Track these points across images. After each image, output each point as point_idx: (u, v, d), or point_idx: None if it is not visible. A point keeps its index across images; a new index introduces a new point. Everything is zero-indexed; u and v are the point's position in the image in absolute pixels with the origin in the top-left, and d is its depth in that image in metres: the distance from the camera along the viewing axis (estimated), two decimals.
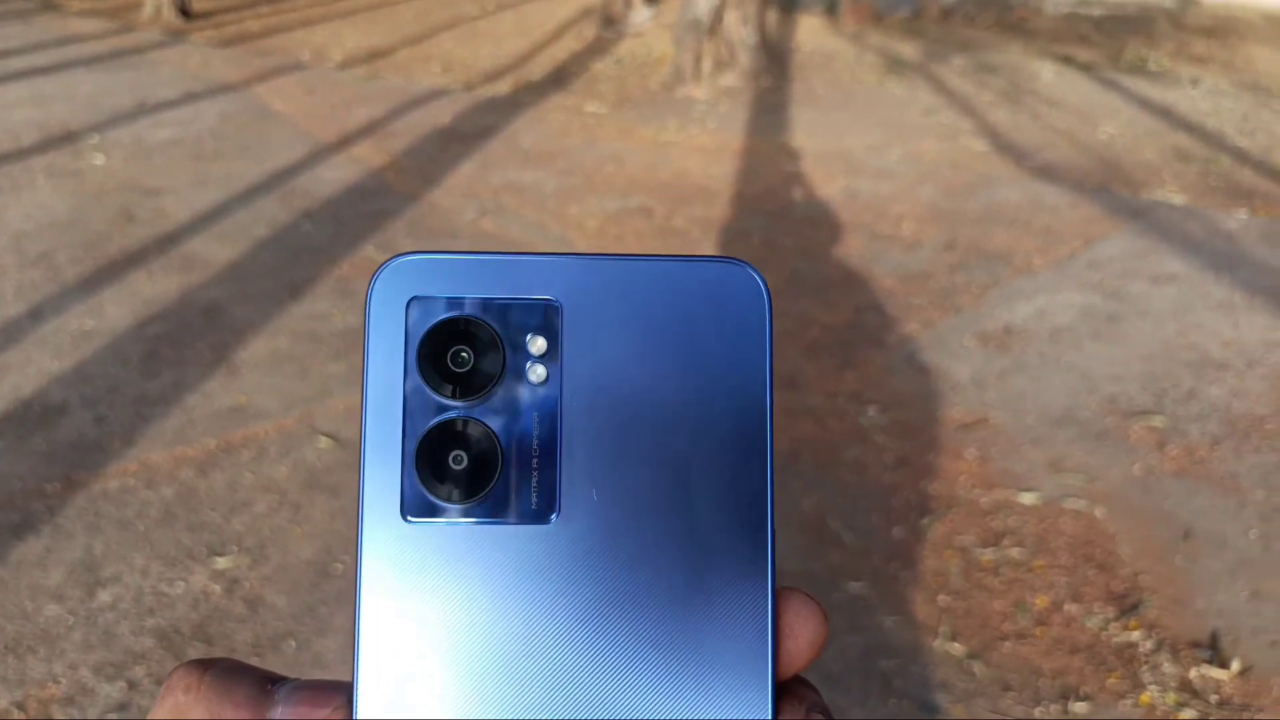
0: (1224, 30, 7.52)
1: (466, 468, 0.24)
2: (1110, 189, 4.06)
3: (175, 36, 7.41)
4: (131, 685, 1.60)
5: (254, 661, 1.66)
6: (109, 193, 3.87)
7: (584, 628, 0.23)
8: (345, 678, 0.24)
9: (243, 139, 4.66)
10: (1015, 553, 1.95)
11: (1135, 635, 1.75)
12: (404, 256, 0.24)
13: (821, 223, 3.70)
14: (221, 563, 1.89)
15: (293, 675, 0.25)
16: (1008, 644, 1.74)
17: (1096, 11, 8.19)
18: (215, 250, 3.34)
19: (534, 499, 0.24)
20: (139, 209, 3.70)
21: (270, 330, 2.81)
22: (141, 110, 5.10)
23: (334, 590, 1.82)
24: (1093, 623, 1.78)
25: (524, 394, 0.24)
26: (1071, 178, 4.20)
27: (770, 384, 0.24)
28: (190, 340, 2.73)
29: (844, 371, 2.63)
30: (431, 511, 0.24)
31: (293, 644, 1.70)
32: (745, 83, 5.84)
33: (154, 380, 2.52)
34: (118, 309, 2.89)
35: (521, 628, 0.23)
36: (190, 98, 5.39)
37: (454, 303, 0.24)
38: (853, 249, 3.45)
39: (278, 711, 0.23)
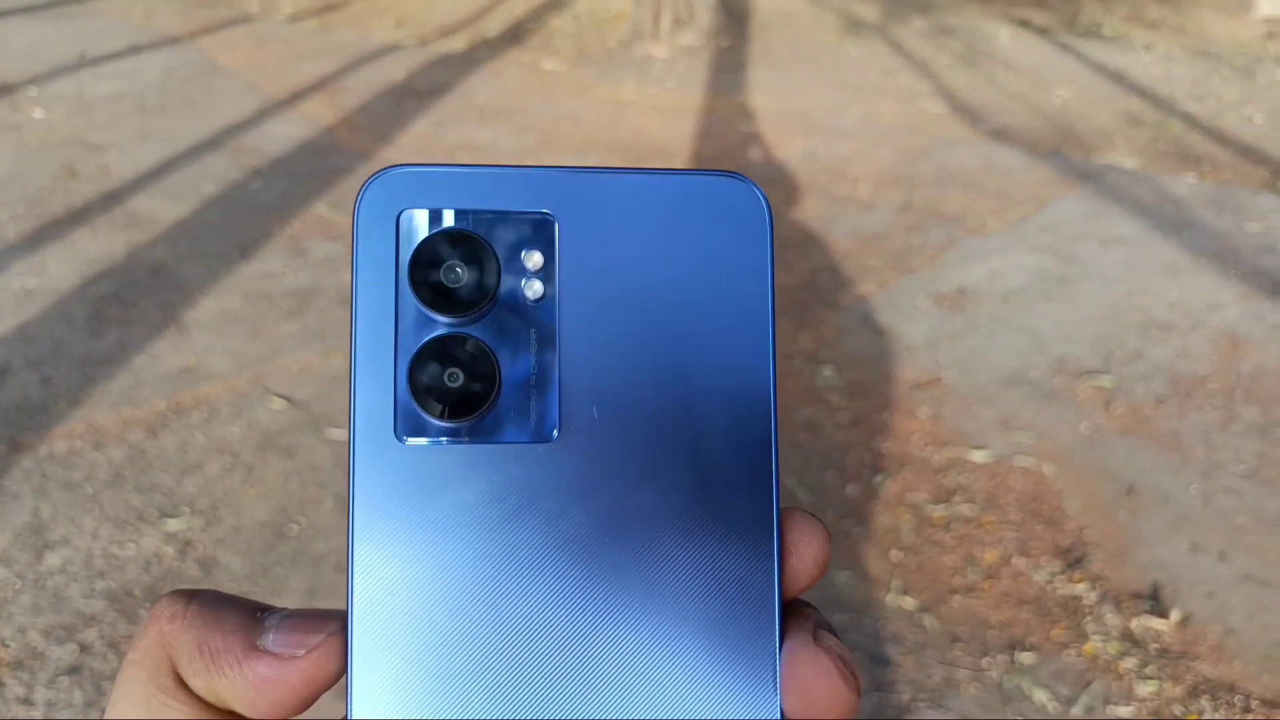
0: None
1: (462, 386, 0.23)
2: (1063, 152, 4.10)
3: None
4: (83, 648, 1.58)
5: None
6: (50, 148, 3.75)
7: (586, 548, 0.22)
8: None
9: (189, 93, 4.53)
10: (966, 509, 1.99)
11: (1080, 588, 1.80)
12: (394, 169, 0.23)
13: (779, 184, 3.70)
14: (173, 525, 1.86)
15: None
16: (957, 597, 1.78)
17: None
18: (162, 208, 3.25)
19: (533, 418, 0.23)
20: (82, 165, 3.59)
21: (220, 289, 2.75)
22: (82, 62, 4.93)
23: (289, 551, 1.81)
24: (1039, 576, 1.83)
25: (520, 310, 0.23)
26: (1026, 141, 4.24)
27: (773, 298, 0.24)
28: (137, 300, 2.67)
29: (799, 332, 2.65)
30: (426, 432, 0.23)
31: None
32: (704, 41, 5.79)
33: (100, 340, 2.47)
34: (61, 268, 2.82)
35: (522, 550, 0.22)
36: (133, 50, 5.22)
37: (446, 215, 0.23)
38: (810, 210, 3.46)
39: (269, 639, 0.22)
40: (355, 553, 0.22)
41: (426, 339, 0.23)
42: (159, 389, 2.29)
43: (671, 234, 0.23)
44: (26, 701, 1.49)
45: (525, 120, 4.35)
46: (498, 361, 0.23)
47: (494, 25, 6.27)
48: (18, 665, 1.55)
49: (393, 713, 0.22)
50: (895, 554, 1.88)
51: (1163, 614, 1.75)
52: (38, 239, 2.98)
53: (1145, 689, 1.60)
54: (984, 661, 1.65)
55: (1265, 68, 5.56)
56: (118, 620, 1.64)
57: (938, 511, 1.99)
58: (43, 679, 1.53)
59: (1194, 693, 1.60)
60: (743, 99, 4.79)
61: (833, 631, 0.24)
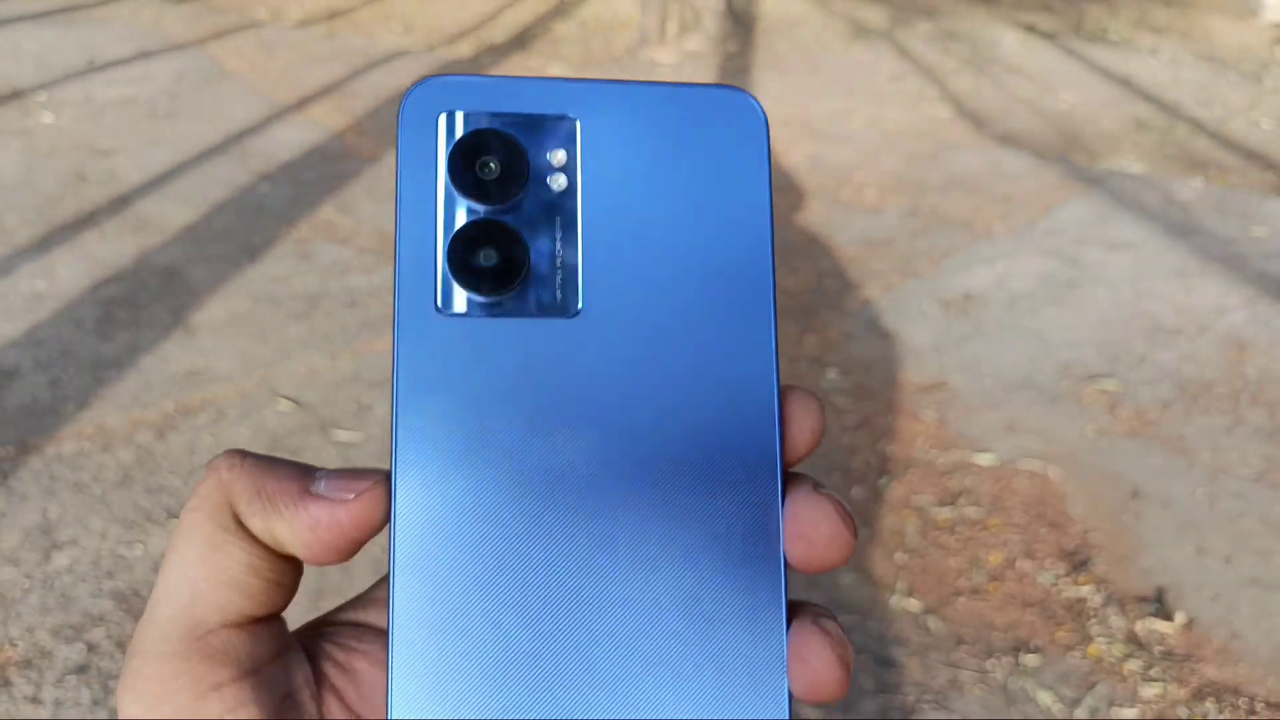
0: (1183, 1, 7.59)
1: (496, 265, 0.25)
2: (1069, 157, 4.10)
3: None
4: (91, 647, 1.59)
5: None
6: (59, 153, 3.78)
7: (606, 410, 0.25)
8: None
9: (197, 99, 4.55)
10: (971, 512, 1.99)
11: (1085, 590, 1.80)
12: (436, 78, 0.26)
13: (785, 189, 3.70)
14: None
15: None
16: (962, 599, 1.78)
17: None
18: (171, 212, 3.27)
19: (558, 295, 0.25)
20: (91, 169, 3.62)
21: (228, 292, 2.77)
22: (92, 68, 4.97)
23: None
24: (1044, 579, 1.83)
25: (547, 200, 0.26)
26: (1032, 146, 4.24)
27: (770, 192, 0.26)
28: (146, 303, 2.69)
29: (805, 335, 2.65)
30: (464, 306, 0.25)
31: None
32: (710, 47, 5.81)
33: (109, 343, 2.48)
34: (71, 271, 2.84)
35: (548, 412, 0.25)
36: (142, 56, 5.25)
37: (482, 117, 0.26)
38: (816, 215, 3.47)
39: (321, 486, 0.24)
40: (399, 410, 0.25)
41: (464, 223, 0.25)
42: (167, 391, 2.30)
43: (679, 135, 0.26)
44: (35, 700, 1.50)
45: None
46: (527, 244, 0.25)
47: (500, 31, 6.29)
48: (26, 664, 1.56)
49: (434, 561, 0.24)
50: (900, 556, 1.88)
51: (1168, 617, 1.74)
52: (47, 243, 3.01)
53: (1150, 691, 1.60)
54: (989, 663, 1.65)
55: (1272, 73, 5.56)
56: (125, 620, 1.65)
57: (943, 514, 1.99)
58: (50, 678, 1.54)
59: (1199, 695, 1.59)
60: None
61: (833, 618, 0.26)
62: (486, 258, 0.25)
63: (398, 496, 0.24)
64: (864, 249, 3.20)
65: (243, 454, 0.25)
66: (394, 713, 0.24)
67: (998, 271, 3.04)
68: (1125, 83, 5.31)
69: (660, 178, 0.26)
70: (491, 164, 0.25)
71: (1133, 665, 1.65)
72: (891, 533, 1.94)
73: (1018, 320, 2.75)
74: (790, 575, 0.26)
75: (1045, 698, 1.58)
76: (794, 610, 0.26)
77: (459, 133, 0.25)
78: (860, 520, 1.97)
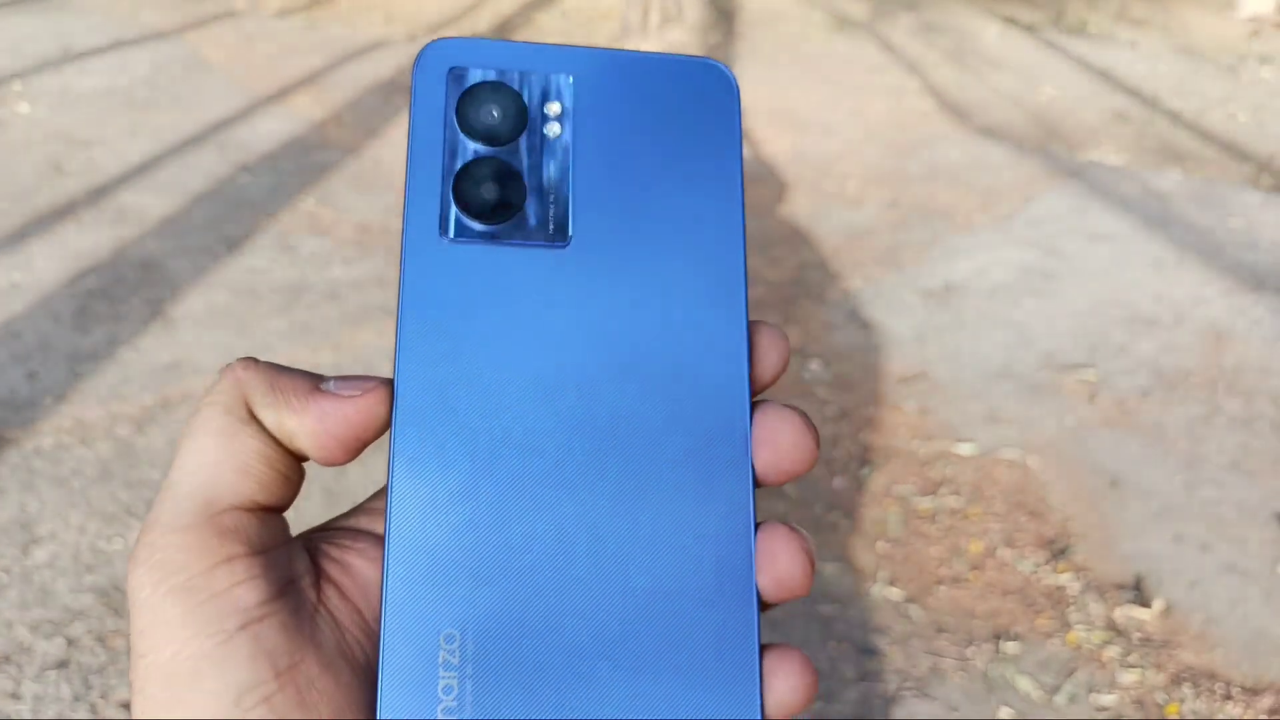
0: None
1: (496, 197, 0.28)
2: (1049, 149, 4.13)
3: None
4: (71, 642, 1.58)
5: None
6: (35, 143, 3.73)
7: (591, 328, 0.28)
8: None
9: (176, 89, 4.51)
10: (952, 501, 2.01)
11: (1064, 578, 1.82)
12: (446, 39, 0.29)
13: (768, 181, 3.71)
14: None
15: None
16: (943, 588, 1.79)
17: None
18: (149, 203, 3.24)
19: (551, 226, 0.28)
20: (68, 160, 3.58)
21: (208, 285, 2.75)
22: (68, 57, 4.91)
23: None
24: (1024, 567, 1.85)
25: (543, 144, 0.29)
26: (1013, 137, 4.26)
27: (740, 145, 0.30)
28: (124, 295, 2.66)
29: (787, 327, 2.66)
30: (465, 233, 0.28)
31: None
32: (693, 38, 5.80)
33: (87, 336, 2.46)
34: (48, 263, 2.81)
35: (538, 329, 0.28)
36: (119, 45, 5.19)
37: (488, 71, 0.29)
38: (798, 207, 3.48)
39: (329, 385, 0.27)
40: (403, 323, 0.27)
41: (468, 158, 0.28)
42: (146, 384, 2.28)
43: (662, 94, 0.30)
44: (14, 696, 1.49)
45: None
46: (524, 180, 0.28)
47: (482, 21, 6.26)
48: (5, 660, 1.55)
49: (429, 464, 0.26)
50: (882, 545, 1.89)
51: (1145, 604, 1.77)
52: (24, 234, 2.97)
53: (1128, 677, 1.62)
54: (969, 651, 1.66)
55: (1249, 66, 5.61)
56: (105, 615, 1.64)
57: (924, 503, 2.00)
58: (30, 673, 1.53)
59: (1176, 681, 1.62)
60: None
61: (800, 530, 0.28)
62: (488, 191, 0.28)
63: (399, 398, 0.26)
64: (846, 240, 3.21)
65: (255, 360, 0.27)
66: (389, 603, 0.26)
67: (978, 262, 3.06)
68: (1105, 75, 5.35)
69: (643, 129, 0.29)
70: (495, 110, 0.28)
71: (1111, 652, 1.67)
72: (873, 522, 1.95)
73: (998, 311, 2.77)
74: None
75: (1025, 684, 1.60)
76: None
77: (467, 83, 0.29)
78: (842, 510, 1.98)
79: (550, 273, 0.28)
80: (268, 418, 0.26)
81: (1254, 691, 1.60)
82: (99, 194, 3.30)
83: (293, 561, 0.26)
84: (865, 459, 2.13)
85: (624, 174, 0.29)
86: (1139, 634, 1.71)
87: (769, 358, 0.29)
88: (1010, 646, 1.67)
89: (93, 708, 1.49)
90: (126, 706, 1.51)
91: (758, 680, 0.26)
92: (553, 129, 0.29)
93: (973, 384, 2.41)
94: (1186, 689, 1.60)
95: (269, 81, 4.68)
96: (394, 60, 5.18)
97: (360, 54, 5.29)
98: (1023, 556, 1.87)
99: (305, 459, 0.27)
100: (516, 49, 0.29)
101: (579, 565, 0.26)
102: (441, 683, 0.25)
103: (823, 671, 1.61)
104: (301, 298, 2.70)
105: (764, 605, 0.27)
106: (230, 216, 3.19)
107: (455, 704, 0.25)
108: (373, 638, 0.26)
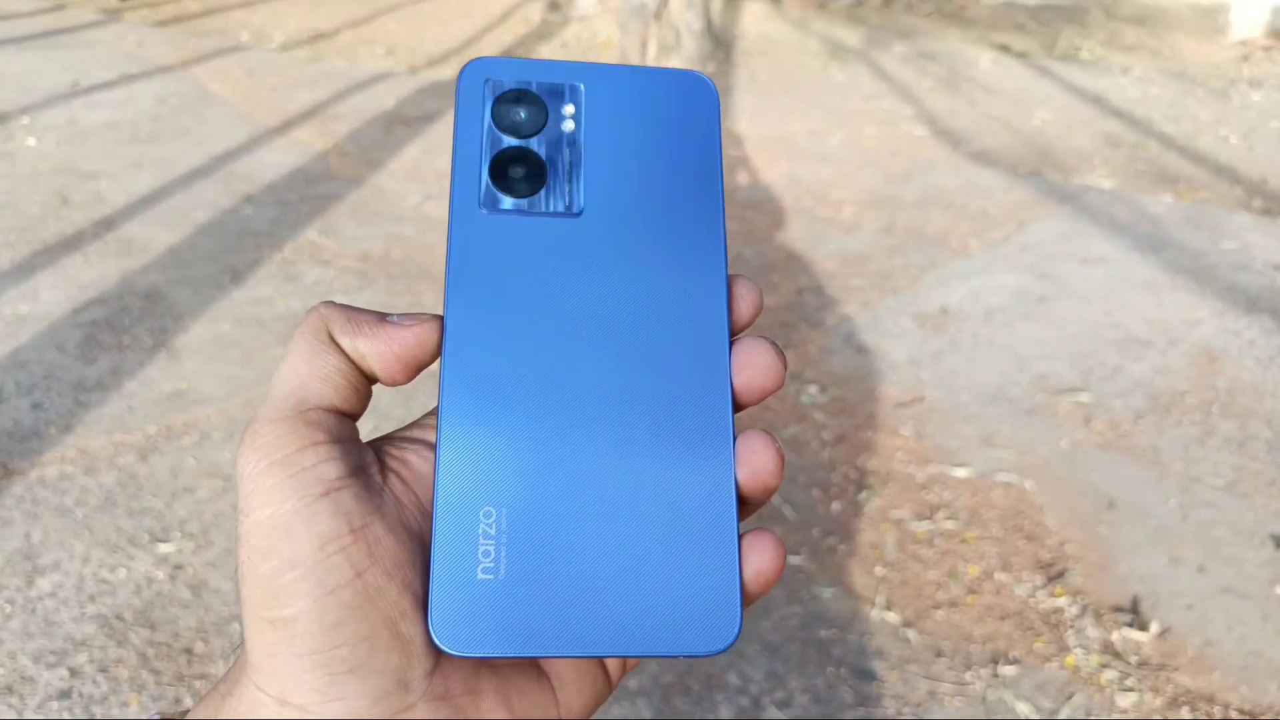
0: (1153, 20, 7.73)
1: (524, 178, 0.35)
2: (1043, 174, 4.17)
3: (109, 15, 7.20)
4: (74, 672, 1.59)
5: (198, 647, 1.66)
6: (42, 175, 3.78)
7: (599, 280, 0.34)
8: None
9: (181, 122, 4.57)
10: (949, 525, 2.02)
11: (1061, 601, 1.83)
12: (483, 59, 0.37)
13: (764, 207, 3.75)
14: (165, 548, 1.88)
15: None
16: (941, 612, 1.80)
17: (1032, 1, 8.35)
18: (154, 234, 3.28)
19: (568, 201, 0.35)
20: (74, 192, 3.62)
21: (212, 315, 2.77)
22: (75, 91, 4.97)
23: None
24: (1021, 590, 1.86)
25: (560, 138, 0.36)
26: (1006, 163, 4.31)
27: (719, 140, 0.37)
28: (129, 325, 2.69)
29: (784, 351, 2.68)
30: (500, 206, 0.35)
31: (237, 628, 1.70)
32: (690, 67, 5.85)
33: (92, 366, 2.48)
34: (53, 294, 2.84)
35: (557, 281, 0.34)
36: (126, 79, 5.26)
37: (517, 81, 0.36)
38: (794, 233, 3.51)
39: (393, 318, 0.33)
40: (451, 275, 0.34)
41: (501, 148, 0.36)
42: (150, 414, 2.30)
43: (656, 99, 0.37)
44: None
45: None
46: (545, 164, 0.35)
47: (482, 53, 6.33)
48: (8, 690, 1.56)
49: (472, 380, 0.33)
50: (879, 569, 1.90)
51: (1143, 626, 1.77)
52: (30, 265, 3.01)
53: (1126, 700, 1.63)
54: (967, 675, 1.67)
55: (1239, 89, 5.66)
56: (108, 644, 1.65)
57: (921, 527, 2.01)
58: (32, 704, 1.54)
59: (1174, 703, 1.62)
60: (728, 124, 4.85)
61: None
62: (516, 172, 0.35)
63: (448, 329, 0.33)
64: (842, 265, 3.24)
65: (334, 301, 0.34)
66: (440, 484, 0.32)
67: (973, 286, 3.09)
68: (1097, 100, 5.40)
69: (641, 125, 0.36)
70: (522, 111, 0.36)
71: (1109, 675, 1.67)
72: (871, 546, 1.96)
73: (993, 335, 2.79)
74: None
75: (1023, 708, 1.61)
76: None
77: (500, 90, 0.36)
78: (840, 534, 2.00)
79: (566, 238, 0.35)
80: (345, 342, 0.33)
81: (1252, 714, 1.60)
82: (104, 225, 3.33)
83: (363, 453, 0.33)
84: (862, 483, 2.15)
85: (625, 160, 0.36)
86: (1136, 657, 1.71)
87: (744, 302, 0.35)
88: (1008, 670, 1.68)
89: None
90: None
91: (737, 555, 0.33)
92: (568, 126, 0.36)
93: (968, 408, 2.43)
94: (1185, 711, 1.61)
95: (272, 114, 4.73)
96: (395, 92, 5.24)
97: (362, 86, 5.35)
98: (1019, 580, 1.88)
99: (374, 380, 0.34)
100: (539, 65, 0.37)
101: (593, 460, 0.33)
102: (481, 548, 0.32)
103: (820, 698, 1.62)
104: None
105: (742, 495, 0.34)
106: (234, 247, 3.22)
107: (492, 565, 0.32)
108: (426, 514, 0.33)
